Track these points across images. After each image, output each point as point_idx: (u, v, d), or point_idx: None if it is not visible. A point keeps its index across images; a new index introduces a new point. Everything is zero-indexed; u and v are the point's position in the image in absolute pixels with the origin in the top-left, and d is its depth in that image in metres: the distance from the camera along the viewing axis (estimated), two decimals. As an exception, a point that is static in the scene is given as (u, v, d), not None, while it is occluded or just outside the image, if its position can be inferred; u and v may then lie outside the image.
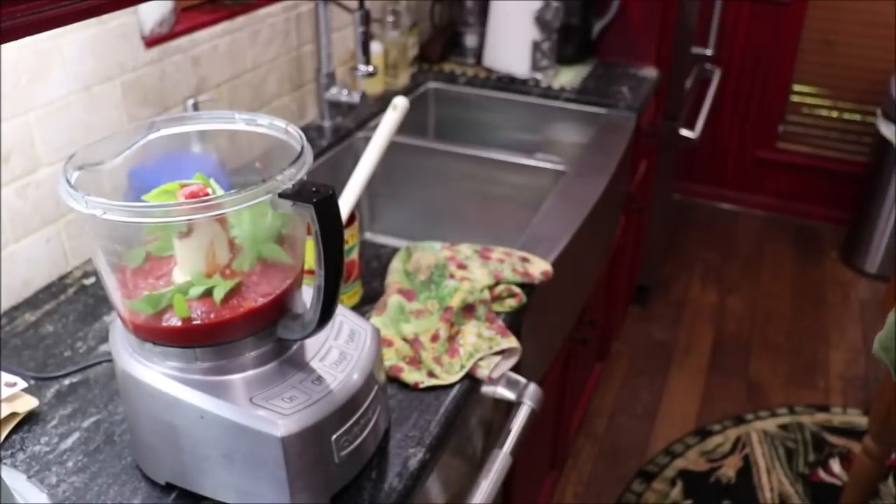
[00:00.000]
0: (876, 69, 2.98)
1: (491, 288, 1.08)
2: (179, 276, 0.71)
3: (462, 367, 0.96)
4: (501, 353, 1.01)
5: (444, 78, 2.00)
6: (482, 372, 0.97)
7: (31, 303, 1.08)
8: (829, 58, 3.07)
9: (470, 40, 2.07)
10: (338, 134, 1.62)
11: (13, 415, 0.86)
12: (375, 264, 1.19)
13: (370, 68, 1.58)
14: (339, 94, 1.59)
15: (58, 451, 0.83)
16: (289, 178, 0.67)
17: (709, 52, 2.57)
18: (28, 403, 0.87)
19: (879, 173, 2.89)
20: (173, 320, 0.70)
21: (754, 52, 3.13)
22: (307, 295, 0.76)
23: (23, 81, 1.02)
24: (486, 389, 1.03)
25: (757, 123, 3.26)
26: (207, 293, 0.70)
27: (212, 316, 0.70)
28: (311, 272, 0.71)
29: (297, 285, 0.76)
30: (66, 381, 0.93)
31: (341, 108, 1.62)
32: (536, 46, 1.91)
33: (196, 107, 1.24)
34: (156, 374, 0.72)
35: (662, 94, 2.21)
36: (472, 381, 0.97)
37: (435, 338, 0.97)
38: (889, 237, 2.90)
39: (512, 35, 1.92)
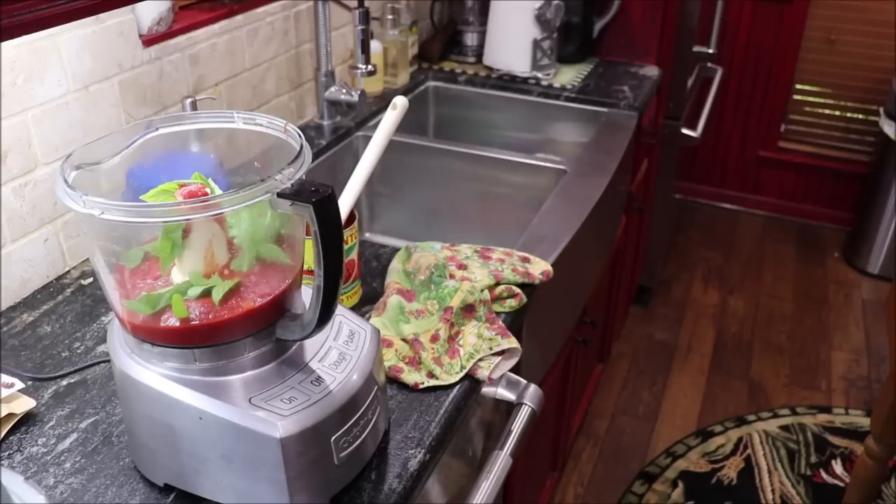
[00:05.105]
0: (878, 68, 2.98)
1: (491, 288, 1.07)
2: (178, 276, 0.70)
3: (462, 367, 0.96)
4: (502, 353, 1.00)
5: (444, 77, 1.99)
6: (482, 373, 0.97)
7: (28, 303, 1.07)
8: (832, 56, 3.06)
9: (470, 39, 2.07)
10: (337, 133, 1.62)
11: (10, 415, 0.86)
12: (375, 264, 1.18)
13: (370, 67, 1.57)
14: (338, 92, 1.58)
15: (55, 452, 0.83)
16: (287, 177, 0.66)
17: (711, 50, 2.56)
18: (25, 404, 0.87)
19: (882, 172, 2.88)
20: (172, 321, 0.69)
21: (756, 50, 3.13)
22: (306, 295, 0.76)
23: (20, 80, 1.02)
24: (487, 390, 1.02)
25: (759, 122, 3.26)
26: (206, 293, 0.69)
27: (210, 316, 0.69)
28: (310, 272, 0.70)
29: (296, 285, 0.76)
30: (64, 382, 0.93)
31: (340, 107, 1.61)
32: (537, 45, 1.91)
33: (194, 106, 1.23)
34: (154, 375, 0.72)
35: (664, 93, 2.20)
36: (472, 382, 0.96)
37: (435, 338, 0.97)
38: (892, 237, 2.90)
39: (512, 33, 1.91)
